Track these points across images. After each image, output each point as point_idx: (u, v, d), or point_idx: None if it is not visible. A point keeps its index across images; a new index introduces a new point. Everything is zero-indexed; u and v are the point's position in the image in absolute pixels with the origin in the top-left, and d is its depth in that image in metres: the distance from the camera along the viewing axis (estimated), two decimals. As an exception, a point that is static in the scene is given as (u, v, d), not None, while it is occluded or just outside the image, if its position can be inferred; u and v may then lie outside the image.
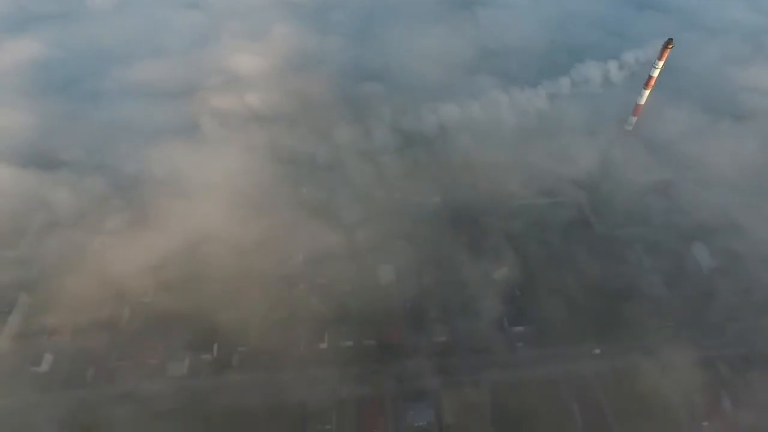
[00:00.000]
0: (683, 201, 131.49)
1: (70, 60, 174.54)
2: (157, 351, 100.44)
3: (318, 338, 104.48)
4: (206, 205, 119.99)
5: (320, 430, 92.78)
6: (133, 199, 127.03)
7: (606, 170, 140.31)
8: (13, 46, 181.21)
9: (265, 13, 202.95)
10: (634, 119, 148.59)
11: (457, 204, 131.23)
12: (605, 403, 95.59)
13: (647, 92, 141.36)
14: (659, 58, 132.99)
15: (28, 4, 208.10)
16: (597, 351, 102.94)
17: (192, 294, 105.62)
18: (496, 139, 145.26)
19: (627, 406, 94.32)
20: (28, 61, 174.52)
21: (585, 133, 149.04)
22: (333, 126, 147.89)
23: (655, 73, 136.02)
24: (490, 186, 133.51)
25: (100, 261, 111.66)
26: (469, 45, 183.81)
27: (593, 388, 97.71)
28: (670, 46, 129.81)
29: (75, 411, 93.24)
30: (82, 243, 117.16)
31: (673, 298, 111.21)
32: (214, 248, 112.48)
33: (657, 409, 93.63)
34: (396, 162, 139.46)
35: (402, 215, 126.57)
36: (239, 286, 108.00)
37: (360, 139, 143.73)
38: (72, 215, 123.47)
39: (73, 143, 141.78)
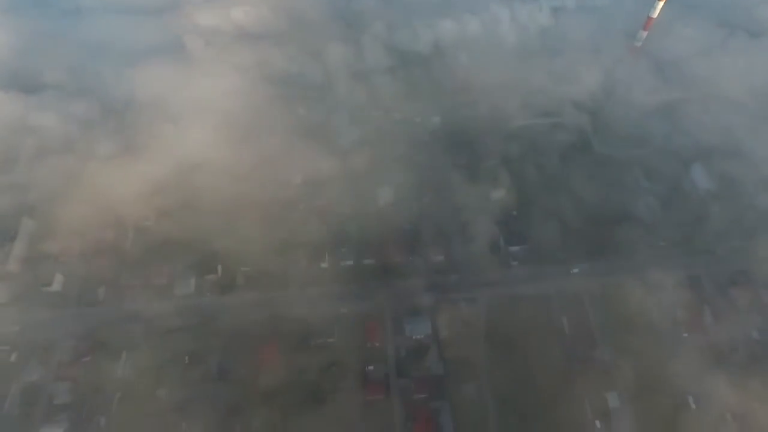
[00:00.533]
0: (688, 123, 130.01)
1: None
2: (163, 272, 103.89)
3: (319, 258, 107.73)
4: (197, 130, 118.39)
5: (323, 343, 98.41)
6: (122, 124, 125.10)
7: (610, 91, 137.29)
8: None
9: None
10: (645, 34, 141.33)
11: (455, 125, 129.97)
12: (592, 317, 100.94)
13: (661, 4, 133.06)
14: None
15: None
16: (575, 270, 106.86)
17: (192, 219, 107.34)
18: (495, 58, 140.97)
19: (612, 321, 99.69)
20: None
21: (590, 50, 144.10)
22: (325, 44, 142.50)
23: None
24: (489, 107, 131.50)
25: (95, 187, 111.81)
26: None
27: (582, 304, 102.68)
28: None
29: (91, 327, 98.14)
30: (75, 169, 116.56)
31: (667, 220, 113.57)
32: (210, 174, 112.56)
33: (641, 323, 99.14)
34: (392, 82, 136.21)
35: (400, 136, 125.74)
36: (238, 211, 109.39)
37: (353, 58, 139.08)
38: (61, 141, 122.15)
39: (55, 64, 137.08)
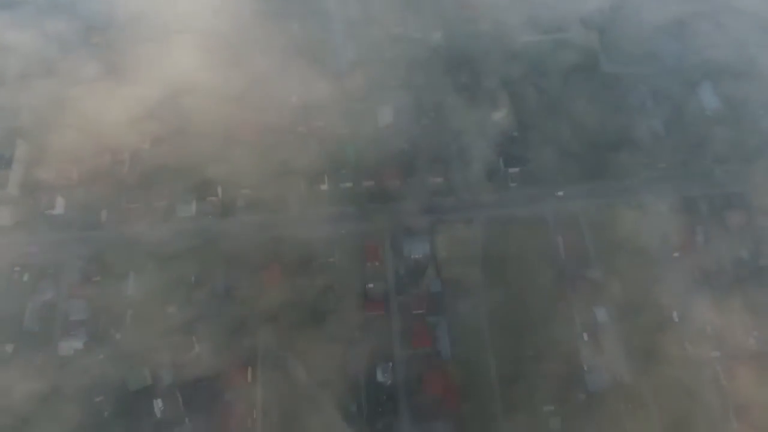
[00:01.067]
0: (699, 39, 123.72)
1: None
2: (163, 195, 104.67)
3: (318, 180, 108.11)
4: (185, 50, 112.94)
5: (324, 263, 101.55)
6: (104, 44, 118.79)
7: (619, 5, 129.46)
8: None
9: None
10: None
11: (457, 41, 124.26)
12: (587, 238, 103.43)
13: None
14: None
15: None
16: (560, 194, 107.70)
17: (187, 144, 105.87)
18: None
19: (606, 241, 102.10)
20: None
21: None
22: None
23: None
24: (493, 22, 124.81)
25: (85, 112, 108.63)
26: None
27: (578, 225, 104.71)
28: None
29: (96, 249, 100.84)
30: (61, 93, 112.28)
31: (669, 143, 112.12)
32: (201, 97, 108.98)
33: (634, 244, 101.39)
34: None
35: (399, 54, 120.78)
36: (234, 135, 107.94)
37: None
38: (42, 62, 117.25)
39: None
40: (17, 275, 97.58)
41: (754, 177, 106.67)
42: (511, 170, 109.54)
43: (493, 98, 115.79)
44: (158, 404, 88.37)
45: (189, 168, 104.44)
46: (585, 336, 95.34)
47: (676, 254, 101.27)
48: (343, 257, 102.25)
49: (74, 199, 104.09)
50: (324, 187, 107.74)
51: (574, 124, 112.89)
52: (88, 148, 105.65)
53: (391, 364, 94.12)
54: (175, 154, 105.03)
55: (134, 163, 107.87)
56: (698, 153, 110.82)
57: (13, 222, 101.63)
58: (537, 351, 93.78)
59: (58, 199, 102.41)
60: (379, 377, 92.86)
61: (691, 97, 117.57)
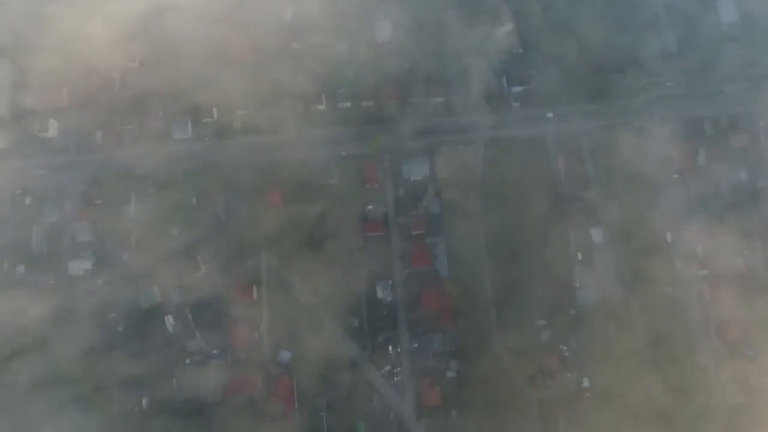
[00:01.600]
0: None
1: None
2: (158, 117, 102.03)
3: (316, 100, 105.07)
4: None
5: (323, 185, 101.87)
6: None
7: None
8: None
9: None
10: None
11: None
12: (588, 159, 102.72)
13: None
14: None
15: None
16: (550, 115, 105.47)
17: (178, 64, 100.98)
18: None
19: (608, 162, 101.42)
20: None
21: None
22: None
23: None
24: None
25: (67, 32, 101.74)
26: None
27: (579, 146, 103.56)
28: None
29: (95, 172, 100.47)
30: (41, 10, 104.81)
31: (680, 60, 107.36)
32: (186, 15, 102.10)
33: (635, 165, 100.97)
34: None
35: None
36: (226, 55, 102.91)
37: None
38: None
39: None
40: (19, 199, 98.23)
41: (763, 97, 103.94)
42: (514, 89, 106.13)
43: (496, 14, 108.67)
44: (169, 320, 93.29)
45: (182, 89, 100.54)
46: (579, 255, 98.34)
47: (675, 176, 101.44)
48: (343, 179, 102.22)
49: (67, 122, 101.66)
50: (321, 107, 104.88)
51: (581, 42, 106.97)
52: (75, 69, 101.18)
53: (390, 282, 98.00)
54: (167, 75, 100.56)
55: (125, 84, 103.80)
56: (709, 71, 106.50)
57: (8, 145, 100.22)
58: (532, 269, 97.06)
59: (51, 121, 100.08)
60: (379, 294, 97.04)
61: (710, 8, 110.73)
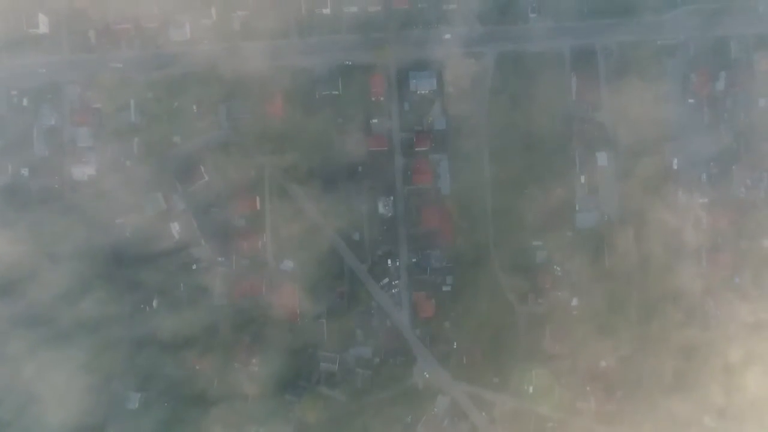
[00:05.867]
0: None
1: None
2: (153, 14, 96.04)
3: (320, 3, 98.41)
4: None
5: (328, 96, 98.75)
6: None
7: None
8: None
9: None
10: None
11: None
12: (603, 78, 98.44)
13: None
14: None
15: None
16: (447, 36, 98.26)
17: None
18: None
19: (623, 82, 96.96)
20: None
21: None
22: None
23: None
24: None
25: None
26: None
27: (595, 63, 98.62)
28: None
29: (91, 73, 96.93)
30: None
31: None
32: None
33: (650, 86, 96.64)
34: None
35: None
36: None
37: None
38: None
39: None
40: (16, 99, 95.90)
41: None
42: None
43: None
44: (175, 227, 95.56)
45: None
46: (582, 178, 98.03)
47: (691, 101, 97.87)
48: (347, 90, 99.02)
49: (58, 16, 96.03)
50: (327, 11, 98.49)
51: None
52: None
53: (392, 197, 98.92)
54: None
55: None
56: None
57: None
58: (534, 190, 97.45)
59: (41, 16, 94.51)
60: (380, 209, 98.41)
61: None
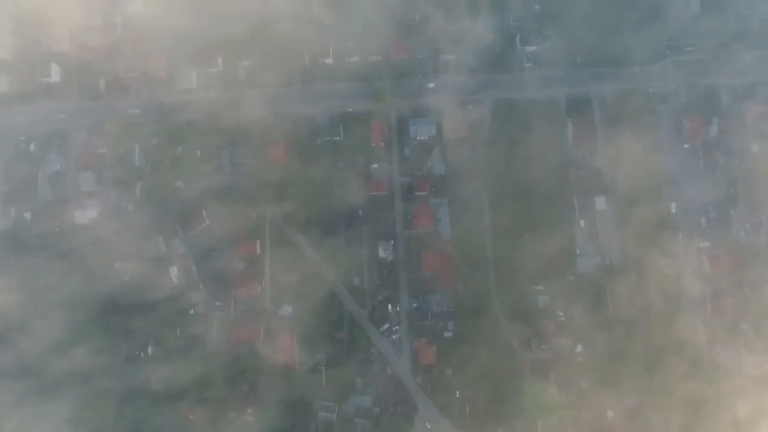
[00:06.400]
0: None
1: None
2: (162, 64, 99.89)
3: (323, 53, 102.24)
4: None
5: (329, 142, 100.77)
6: None
7: None
8: None
9: None
10: None
11: None
12: (598, 125, 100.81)
13: None
14: None
15: None
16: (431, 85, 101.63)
17: (184, 8, 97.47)
18: None
19: (618, 129, 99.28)
20: None
21: None
22: None
23: None
24: None
25: None
26: None
27: (591, 110, 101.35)
28: None
29: (99, 120, 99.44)
30: None
31: (702, 23, 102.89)
32: None
33: (645, 132, 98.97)
34: None
35: None
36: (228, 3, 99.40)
37: None
38: None
39: None
40: (24, 145, 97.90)
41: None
42: (527, 49, 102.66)
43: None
44: (174, 271, 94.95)
45: (186, 36, 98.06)
46: (582, 222, 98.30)
47: (686, 146, 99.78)
48: (348, 136, 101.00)
49: (70, 66, 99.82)
50: (329, 61, 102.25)
51: (598, 2, 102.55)
52: (76, 8, 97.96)
53: (392, 241, 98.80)
54: (171, 21, 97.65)
55: (128, 28, 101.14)
56: (734, 36, 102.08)
57: (10, 89, 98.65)
58: (534, 235, 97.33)
59: (53, 66, 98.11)
60: (381, 254, 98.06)
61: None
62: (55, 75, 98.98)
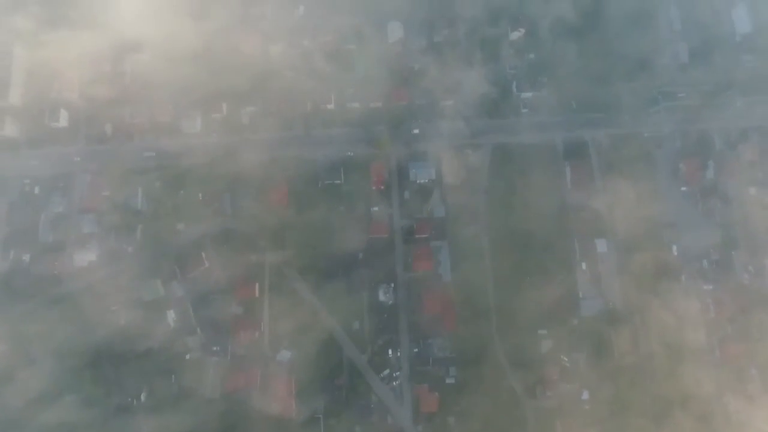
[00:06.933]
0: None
1: None
2: (168, 110, 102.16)
3: (325, 99, 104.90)
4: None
5: (330, 185, 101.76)
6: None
7: None
8: None
9: None
10: None
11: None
12: (596, 168, 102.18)
13: None
14: None
15: None
16: (416, 131, 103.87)
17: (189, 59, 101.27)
18: None
19: (615, 172, 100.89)
20: None
21: None
22: None
23: None
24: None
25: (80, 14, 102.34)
26: None
27: (587, 154, 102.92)
28: None
29: (104, 163, 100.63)
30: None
31: (692, 71, 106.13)
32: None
33: (643, 176, 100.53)
34: None
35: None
36: (237, 49, 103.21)
37: None
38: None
39: None
40: (28, 188, 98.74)
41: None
42: (524, 95, 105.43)
43: (510, 16, 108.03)
44: (171, 315, 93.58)
45: (191, 85, 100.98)
46: (583, 265, 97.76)
47: (684, 189, 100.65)
48: (349, 180, 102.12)
49: (77, 112, 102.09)
50: (330, 107, 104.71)
51: (593, 48, 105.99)
52: (86, 57, 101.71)
53: (392, 285, 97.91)
54: (176, 71, 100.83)
55: (135, 74, 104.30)
56: (723, 82, 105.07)
57: (19, 133, 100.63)
58: (535, 277, 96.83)
59: (62, 111, 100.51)
60: (381, 297, 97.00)
61: (724, 20, 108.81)
62: (63, 120, 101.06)
